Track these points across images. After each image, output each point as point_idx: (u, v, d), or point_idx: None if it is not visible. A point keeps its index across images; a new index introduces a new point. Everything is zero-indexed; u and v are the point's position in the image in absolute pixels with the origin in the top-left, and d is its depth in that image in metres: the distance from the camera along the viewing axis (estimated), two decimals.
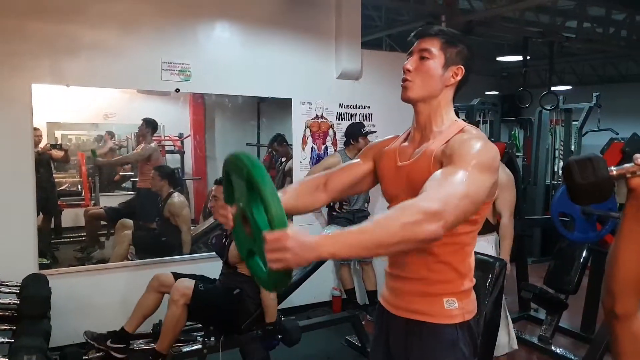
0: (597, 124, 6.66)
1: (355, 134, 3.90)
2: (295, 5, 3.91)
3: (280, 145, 4.21)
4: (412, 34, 1.42)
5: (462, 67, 1.38)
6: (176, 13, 3.53)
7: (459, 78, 1.38)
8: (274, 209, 1.02)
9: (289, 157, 4.16)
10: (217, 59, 3.65)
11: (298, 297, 3.53)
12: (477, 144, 1.25)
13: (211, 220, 4.16)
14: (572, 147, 6.72)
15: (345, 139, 3.99)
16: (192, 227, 4.14)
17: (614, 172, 0.98)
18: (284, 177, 4.21)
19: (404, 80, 1.38)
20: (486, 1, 4.62)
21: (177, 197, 3.86)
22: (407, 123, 1.47)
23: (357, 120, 4.19)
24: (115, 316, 3.35)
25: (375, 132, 4.16)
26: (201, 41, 3.62)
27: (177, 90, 3.55)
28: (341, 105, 4.12)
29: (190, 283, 2.58)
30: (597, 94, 6.42)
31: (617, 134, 7.31)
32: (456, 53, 1.37)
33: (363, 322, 3.43)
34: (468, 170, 1.18)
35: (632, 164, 0.98)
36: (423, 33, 1.39)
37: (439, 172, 1.22)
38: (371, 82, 4.21)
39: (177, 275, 2.80)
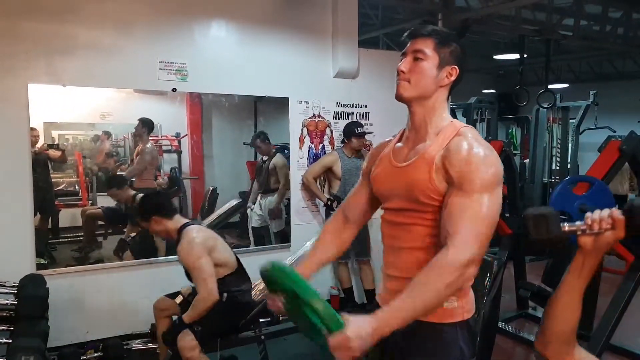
0: (594, 121, 6.68)
1: (350, 133, 3.92)
2: (292, 4, 3.90)
3: (263, 142, 4.19)
4: (405, 34, 1.42)
5: (456, 67, 1.38)
6: (172, 12, 3.52)
7: (453, 78, 1.38)
8: (327, 317, 1.11)
9: (272, 155, 4.15)
10: (214, 58, 3.64)
11: None
12: (479, 157, 1.26)
13: (209, 219, 4.16)
14: (570, 145, 6.74)
15: (342, 136, 4.01)
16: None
17: (566, 229, 1.07)
18: (268, 177, 4.18)
19: (399, 80, 1.38)
20: None
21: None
22: (404, 122, 1.47)
23: (355, 119, 4.19)
24: (113, 316, 3.36)
25: (371, 132, 4.16)
26: (198, 40, 3.61)
27: (174, 89, 3.54)
28: (338, 104, 4.12)
29: (190, 335, 2.54)
30: (594, 91, 6.44)
31: (615, 131, 7.33)
32: (450, 53, 1.37)
33: None
34: (483, 197, 1.24)
35: (583, 222, 1.06)
36: (416, 33, 1.39)
37: (451, 204, 1.25)
38: (368, 80, 4.20)
39: (172, 295, 2.87)
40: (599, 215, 1.05)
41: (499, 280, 1.95)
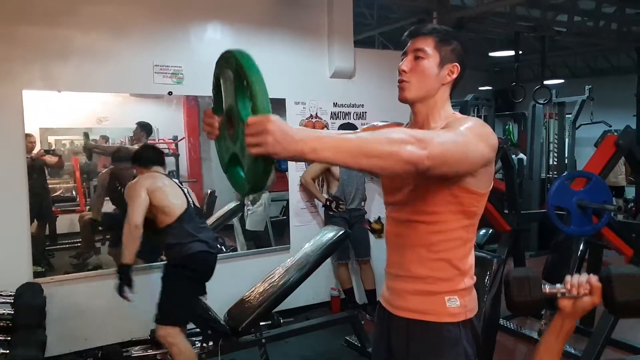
0: (590, 116, 6.68)
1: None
2: (287, 5, 3.89)
3: None
4: (405, 33, 1.41)
5: (457, 64, 1.37)
6: (167, 15, 3.51)
7: (455, 76, 1.37)
8: (259, 95, 0.99)
9: None
10: (210, 61, 3.54)
11: (296, 299, 3.51)
12: (472, 120, 1.27)
13: (208, 222, 4.14)
14: (567, 140, 6.74)
15: None
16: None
17: (547, 291, 1.10)
18: None
19: (400, 81, 1.37)
20: None
21: None
22: (401, 120, 1.46)
23: (352, 119, 4.18)
24: (112, 323, 3.33)
25: None
26: (193, 43, 3.60)
27: (170, 93, 3.53)
28: (335, 104, 4.11)
29: (164, 329, 2.60)
30: (590, 86, 6.44)
31: (610, 126, 7.33)
32: (451, 50, 1.36)
33: (362, 322, 3.43)
34: (462, 131, 1.21)
35: (563, 285, 1.10)
36: (416, 32, 1.38)
37: None
38: (365, 80, 4.20)
39: None
40: (578, 280, 1.09)
41: (500, 277, 1.93)
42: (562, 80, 9.21)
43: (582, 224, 2.96)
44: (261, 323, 2.80)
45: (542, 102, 5.79)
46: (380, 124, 1.61)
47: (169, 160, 4.29)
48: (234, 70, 1.06)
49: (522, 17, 5.46)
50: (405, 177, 1.38)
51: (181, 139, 4.22)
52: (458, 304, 1.35)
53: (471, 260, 1.40)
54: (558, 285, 1.11)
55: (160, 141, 4.25)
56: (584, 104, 6.42)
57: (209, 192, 4.30)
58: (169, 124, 4.13)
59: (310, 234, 3.74)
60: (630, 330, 3.56)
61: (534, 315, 1.08)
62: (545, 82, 5.47)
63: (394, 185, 1.44)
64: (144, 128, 3.90)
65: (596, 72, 9.43)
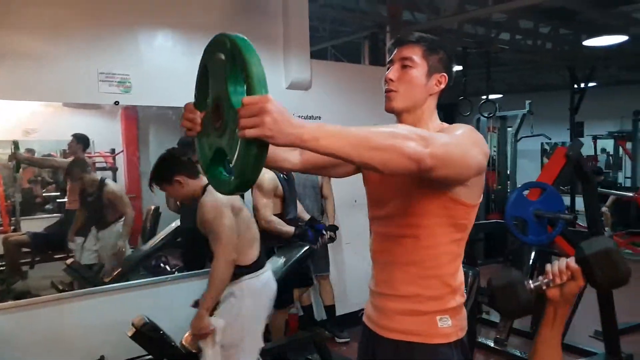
0: (530, 129, 7.03)
1: None
2: (241, 14, 3.79)
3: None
4: (391, 42, 1.37)
5: (445, 74, 1.34)
6: (114, 20, 3.29)
7: (442, 86, 1.35)
8: (256, 75, 0.89)
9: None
10: (160, 69, 3.44)
11: None
12: (464, 127, 1.22)
13: (153, 241, 3.91)
14: (508, 152, 7.05)
15: None
16: (130, 250, 3.86)
17: (532, 286, 1.11)
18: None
19: (388, 90, 1.32)
20: (429, 13, 4.73)
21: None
22: None
23: None
24: (48, 355, 2.98)
25: None
26: (142, 51, 3.40)
27: (117, 102, 3.31)
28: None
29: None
30: (530, 101, 6.78)
31: (550, 138, 7.78)
32: (438, 60, 1.33)
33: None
34: (457, 136, 1.17)
35: (544, 276, 1.11)
36: (403, 40, 1.34)
37: None
38: (321, 92, 4.15)
39: None
40: (558, 268, 1.10)
41: (475, 290, 1.93)
42: (501, 95, 9.66)
43: (539, 233, 3.05)
44: None
45: (486, 115, 6.02)
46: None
47: (106, 175, 4.07)
48: (228, 51, 0.96)
49: (468, 34, 5.66)
50: (393, 189, 1.32)
51: (119, 152, 4.00)
52: (450, 323, 1.31)
53: (461, 276, 1.36)
54: (540, 278, 1.12)
55: (97, 154, 4.01)
56: (524, 117, 6.74)
57: (152, 208, 4.05)
58: (105, 136, 3.92)
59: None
60: (577, 334, 3.70)
61: (526, 313, 1.08)
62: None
63: (380, 197, 1.38)
64: (81, 140, 3.67)
65: (531, 87, 9.98)
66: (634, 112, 8.37)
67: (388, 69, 1.34)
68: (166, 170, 2.36)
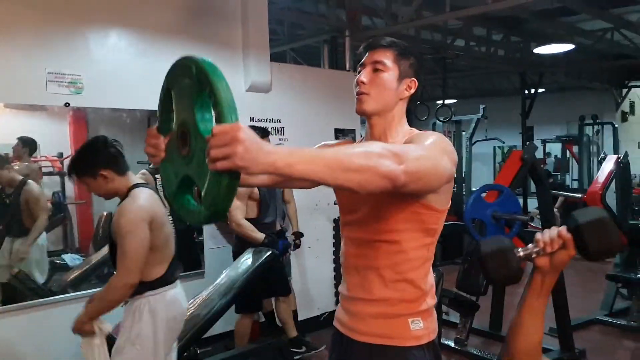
0: (484, 133, 7.26)
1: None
2: (199, 15, 3.69)
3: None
4: (362, 46, 1.37)
5: (415, 80, 1.34)
6: (64, 17, 3.13)
7: (412, 91, 1.35)
8: (225, 101, 0.86)
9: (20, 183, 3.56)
10: (114, 70, 3.30)
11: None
12: (434, 136, 1.23)
13: (105, 249, 3.74)
14: (464, 156, 7.23)
15: None
16: (82, 260, 3.69)
17: (521, 254, 1.09)
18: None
19: (359, 93, 1.31)
20: (387, 18, 4.79)
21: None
22: (318, 136, 1.39)
23: (270, 134, 4.05)
24: None
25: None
26: (94, 50, 3.25)
27: (67, 104, 3.15)
28: (252, 119, 3.95)
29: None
30: (484, 106, 7.00)
31: (503, 142, 8.05)
32: (409, 65, 1.34)
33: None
34: (427, 146, 1.17)
35: (535, 244, 1.09)
36: (375, 44, 1.34)
37: None
38: (281, 95, 4.11)
39: None
40: (549, 236, 1.08)
41: (439, 292, 1.94)
42: (454, 100, 9.94)
43: (496, 234, 3.12)
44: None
45: (443, 120, 6.16)
46: (331, 142, 1.54)
47: (54, 180, 3.88)
48: (194, 76, 0.93)
49: (425, 41, 5.78)
50: (365, 195, 1.31)
51: (67, 157, 3.81)
52: (422, 325, 1.31)
53: (431, 279, 1.38)
54: (530, 246, 1.10)
55: (43, 159, 3.82)
56: (479, 122, 6.95)
57: (104, 214, 3.84)
58: (52, 139, 3.74)
59: (226, 257, 3.53)
60: None
61: (514, 281, 1.06)
62: (439, 102, 5.85)
63: (352, 204, 1.36)
64: (27, 144, 3.48)
65: (482, 92, 10.33)
66: (579, 117, 8.82)
67: (359, 72, 1.33)
68: (91, 161, 2.03)
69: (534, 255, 1.08)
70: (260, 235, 3.25)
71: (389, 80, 1.30)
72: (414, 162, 1.05)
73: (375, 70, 1.31)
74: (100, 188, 2.06)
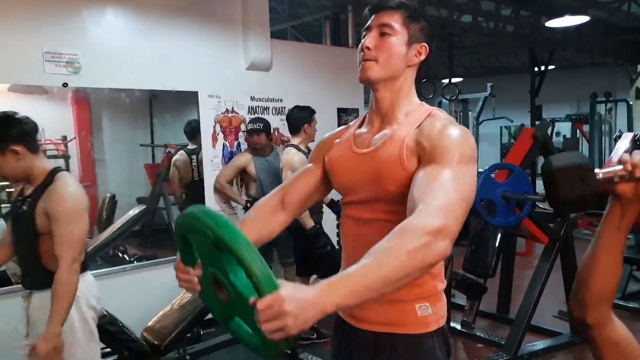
0: (492, 112, 7.10)
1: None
2: None
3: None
4: (368, 7, 1.24)
5: (425, 45, 1.23)
6: None
7: (422, 57, 1.23)
8: (259, 272, 0.82)
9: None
10: (111, 49, 3.20)
11: None
12: (454, 132, 1.10)
13: (111, 229, 3.69)
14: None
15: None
16: (87, 240, 3.64)
17: (600, 176, 0.90)
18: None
19: (364, 59, 1.20)
20: None
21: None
22: (321, 115, 1.29)
23: (271, 114, 3.94)
24: None
25: (277, 127, 3.94)
26: (91, 29, 3.15)
27: (65, 84, 3.06)
28: (252, 98, 3.85)
29: None
30: (491, 84, 6.83)
31: (512, 121, 7.87)
32: (419, 29, 1.22)
33: None
34: (454, 169, 1.04)
35: (620, 166, 0.89)
36: (382, 6, 1.22)
37: (422, 174, 1.07)
38: (282, 73, 3.98)
39: None
40: None
41: (449, 274, 1.85)
42: (461, 79, 9.74)
43: (506, 215, 3.02)
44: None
45: (449, 98, 6.01)
46: (328, 135, 1.40)
47: (59, 163, 3.80)
48: (213, 241, 0.88)
49: (431, 17, 5.60)
50: (363, 177, 1.22)
51: (71, 140, 3.75)
52: (430, 311, 1.22)
53: (441, 262, 1.27)
54: (616, 167, 0.89)
55: (48, 142, 3.75)
56: (486, 100, 6.79)
57: (108, 196, 3.86)
58: (56, 123, 3.67)
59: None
60: (542, 315, 3.74)
61: (584, 212, 0.87)
62: (445, 80, 5.69)
63: (350, 185, 1.27)
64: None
65: (490, 71, 10.10)
66: (591, 95, 8.57)
67: (363, 37, 1.22)
68: (1, 134, 1.81)
69: (616, 180, 0.89)
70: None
71: (397, 44, 1.19)
72: (455, 224, 0.98)
73: (382, 34, 1.19)
74: (8, 166, 1.83)
